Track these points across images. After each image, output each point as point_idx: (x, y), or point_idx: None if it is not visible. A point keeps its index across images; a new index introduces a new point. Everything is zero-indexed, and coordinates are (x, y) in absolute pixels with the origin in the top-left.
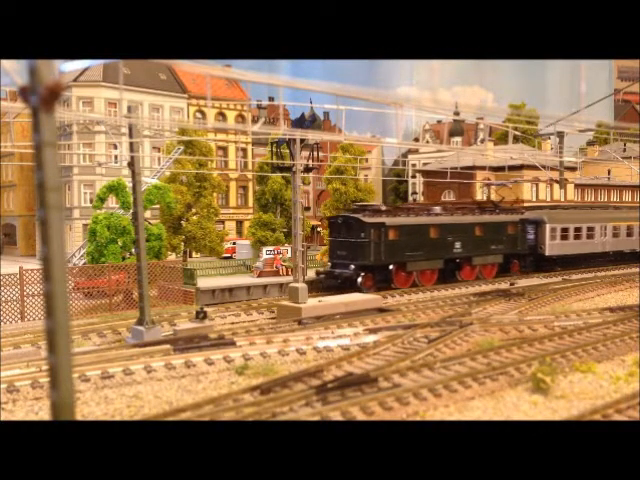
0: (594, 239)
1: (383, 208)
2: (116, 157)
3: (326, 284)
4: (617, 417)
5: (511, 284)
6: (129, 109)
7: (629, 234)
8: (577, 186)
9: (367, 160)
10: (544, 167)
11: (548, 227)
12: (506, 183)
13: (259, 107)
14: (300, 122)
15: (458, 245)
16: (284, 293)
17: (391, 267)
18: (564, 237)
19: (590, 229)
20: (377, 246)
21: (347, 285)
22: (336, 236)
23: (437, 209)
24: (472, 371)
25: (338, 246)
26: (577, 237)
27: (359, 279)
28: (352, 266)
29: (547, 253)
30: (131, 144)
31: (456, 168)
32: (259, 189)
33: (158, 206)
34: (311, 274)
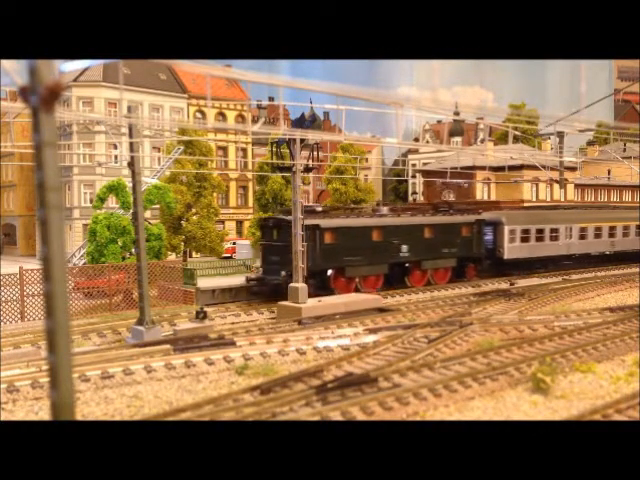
0: (558, 241)
1: (319, 209)
2: (116, 157)
3: (256, 292)
4: (617, 417)
5: (511, 284)
6: (129, 109)
7: (597, 235)
8: (577, 186)
9: (367, 160)
10: (544, 167)
11: (507, 229)
12: (461, 182)
13: (259, 107)
14: (300, 122)
15: (405, 248)
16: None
17: (330, 272)
18: (525, 239)
19: (554, 231)
20: (311, 250)
21: (279, 293)
22: (267, 240)
23: (384, 210)
24: (472, 371)
25: (269, 251)
26: (539, 239)
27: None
28: (283, 272)
29: (506, 256)
30: (131, 144)
31: (456, 168)
32: (259, 189)
33: (158, 206)
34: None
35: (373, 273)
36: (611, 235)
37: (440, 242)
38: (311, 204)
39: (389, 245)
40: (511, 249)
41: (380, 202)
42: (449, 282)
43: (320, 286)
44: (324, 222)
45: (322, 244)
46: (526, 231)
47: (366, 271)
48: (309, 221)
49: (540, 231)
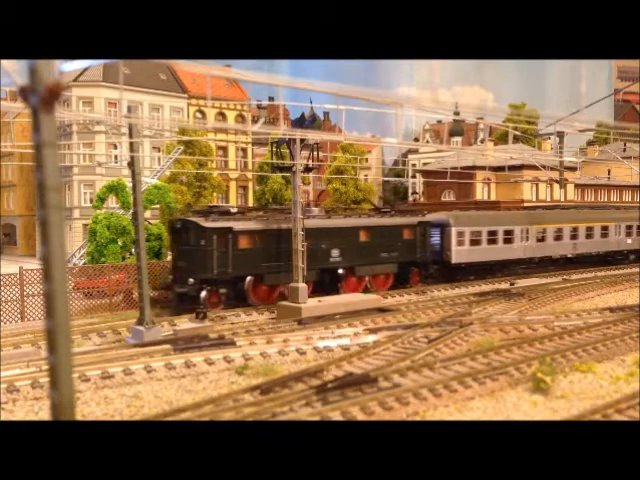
0: (513, 244)
1: (234, 210)
2: (116, 157)
3: (166, 301)
4: (617, 417)
5: (511, 284)
6: (129, 109)
7: (557, 238)
8: (577, 186)
9: (367, 160)
10: (544, 167)
11: (454, 231)
12: (404, 181)
13: (259, 107)
14: (300, 122)
15: (336, 253)
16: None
17: (248, 280)
18: (475, 242)
19: (508, 233)
20: (222, 256)
21: (187, 302)
22: (176, 244)
23: (315, 211)
24: (472, 371)
25: (178, 256)
26: (491, 242)
27: (202, 294)
28: (191, 280)
29: (453, 260)
30: (131, 144)
31: (456, 168)
32: (259, 189)
33: (158, 206)
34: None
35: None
36: (573, 237)
37: (378, 246)
38: (225, 204)
39: (317, 249)
40: (459, 253)
41: (311, 202)
42: (390, 289)
43: (235, 296)
44: (238, 225)
45: (235, 249)
46: (476, 233)
47: (289, 278)
48: (220, 223)
49: (492, 233)
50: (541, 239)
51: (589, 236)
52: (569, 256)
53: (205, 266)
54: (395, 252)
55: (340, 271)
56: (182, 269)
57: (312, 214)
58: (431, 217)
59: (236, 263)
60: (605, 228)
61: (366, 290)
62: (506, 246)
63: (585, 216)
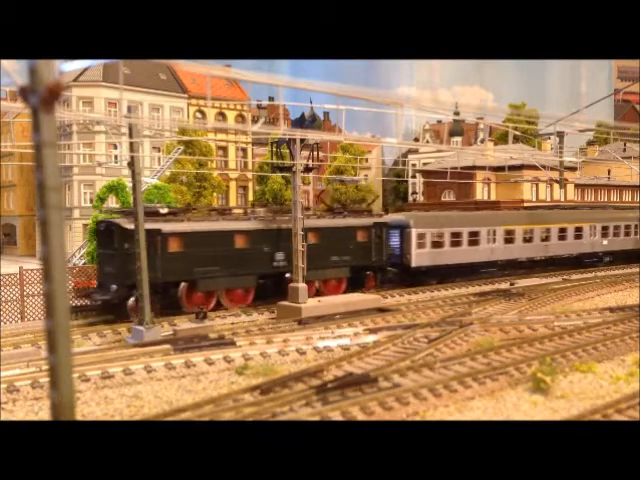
0: (479, 246)
1: (164, 210)
2: (116, 157)
3: (90, 309)
4: (617, 417)
5: (511, 284)
6: (129, 109)
7: (527, 240)
8: (577, 186)
9: (367, 160)
10: (544, 167)
11: (414, 233)
12: (356, 180)
13: (259, 107)
14: (300, 122)
15: (280, 256)
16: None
17: (182, 286)
18: (437, 244)
19: (473, 234)
20: (150, 260)
21: (111, 311)
22: (100, 248)
23: (260, 211)
24: (472, 371)
25: (102, 261)
26: (455, 244)
27: (129, 302)
28: (114, 286)
29: (413, 264)
30: (131, 144)
31: (456, 168)
32: (259, 189)
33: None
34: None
35: (238, 286)
36: (545, 239)
37: (328, 249)
38: (155, 204)
39: (258, 253)
40: (420, 256)
41: (259, 203)
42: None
43: (169, 303)
44: (168, 226)
45: (165, 252)
46: (438, 235)
47: (227, 283)
48: (147, 225)
49: (456, 235)
50: (509, 241)
51: (562, 237)
52: (539, 258)
53: (130, 271)
54: (347, 255)
55: (287, 276)
56: (106, 275)
57: (255, 215)
58: (389, 218)
59: (166, 268)
60: (579, 229)
61: (317, 295)
62: (471, 248)
63: (557, 217)
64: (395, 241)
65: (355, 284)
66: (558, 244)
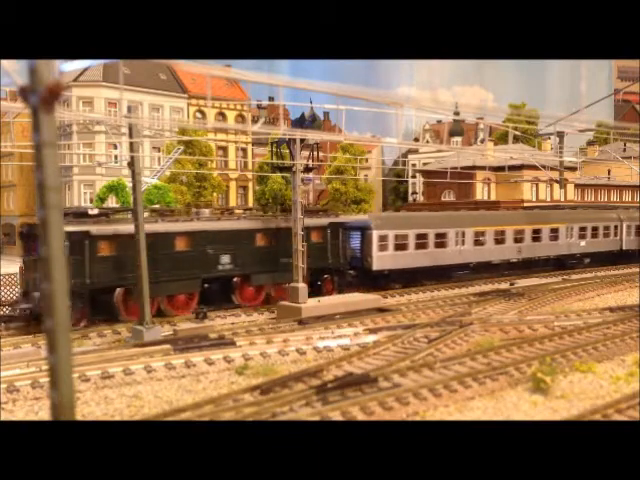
0: (446, 248)
1: (94, 211)
2: (116, 157)
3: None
4: (617, 417)
5: (511, 284)
6: (129, 109)
7: (499, 241)
8: (577, 186)
9: (367, 160)
10: (544, 167)
11: (375, 234)
12: (309, 178)
13: (259, 107)
14: (300, 122)
15: (226, 259)
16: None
17: (117, 292)
18: (400, 247)
19: (440, 236)
20: (77, 265)
21: (36, 320)
22: (26, 253)
23: (206, 212)
24: (472, 371)
25: (26, 266)
26: (420, 246)
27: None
28: (37, 294)
29: (375, 267)
30: (131, 144)
31: (456, 168)
32: (259, 189)
33: (158, 206)
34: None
35: (179, 291)
36: (518, 240)
37: (279, 251)
38: (84, 205)
39: (202, 255)
40: (381, 259)
41: (205, 203)
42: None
43: (100, 310)
44: (97, 229)
45: (95, 256)
46: (402, 237)
47: (168, 289)
48: (73, 227)
49: (422, 236)
50: (480, 242)
51: (536, 239)
52: (513, 261)
53: None
54: None
55: (234, 280)
56: (31, 281)
57: (200, 215)
58: (349, 219)
59: (96, 273)
60: (555, 230)
61: (268, 301)
62: (438, 250)
63: (532, 218)
64: (356, 243)
65: (311, 288)
66: (532, 246)
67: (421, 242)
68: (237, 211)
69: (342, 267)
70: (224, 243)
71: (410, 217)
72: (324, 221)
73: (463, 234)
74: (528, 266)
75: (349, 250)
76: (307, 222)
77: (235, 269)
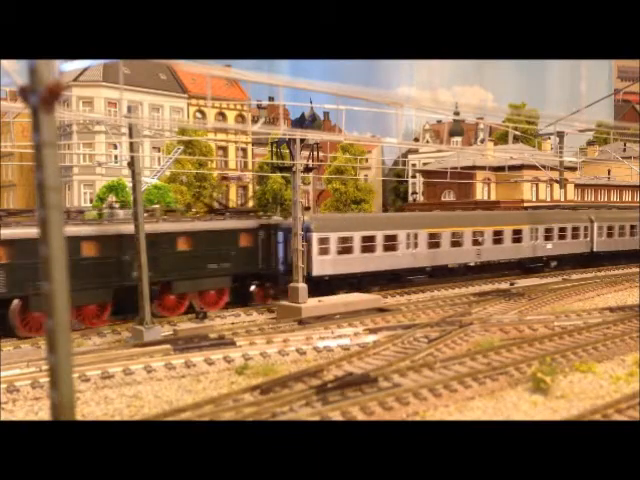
0: (397, 251)
1: None
2: (116, 157)
3: None
4: (617, 417)
5: (511, 284)
6: (129, 109)
7: (456, 243)
8: (577, 186)
9: (367, 160)
10: (544, 167)
11: (315, 237)
12: (241, 176)
13: (259, 107)
14: (300, 122)
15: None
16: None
17: (14, 304)
18: (344, 250)
19: (390, 238)
20: None
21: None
22: None
23: (120, 214)
24: (472, 371)
25: None
26: (367, 249)
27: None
28: None
29: (314, 273)
30: (131, 144)
31: (456, 168)
32: (259, 189)
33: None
34: None
35: (87, 302)
36: (477, 242)
37: (203, 256)
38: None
39: (115, 262)
40: (322, 263)
41: (114, 203)
42: (226, 308)
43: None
44: None
45: None
46: (346, 239)
47: (73, 300)
48: None
49: (369, 239)
50: (434, 245)
51: (497, 241)
52: (472, 264)
53: None
54: (228, 262)
55: (153, 288)
56: None
57: (115, 218)
58: (278, 220)
59: None
60: (518, 232)
61: (191, 310)
62: (387, 254)
63: (492, 219)
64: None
65: (241, 295)
66: (493, 248)
67: (368, 245)
68: (159, 212)
69: (275, 272)
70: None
71: (356, 218)
72: (255, 223)
73: (416, 236)
74: (489, 270)
75: (290, 254)
76: (235, 224)
77: (154, 276)
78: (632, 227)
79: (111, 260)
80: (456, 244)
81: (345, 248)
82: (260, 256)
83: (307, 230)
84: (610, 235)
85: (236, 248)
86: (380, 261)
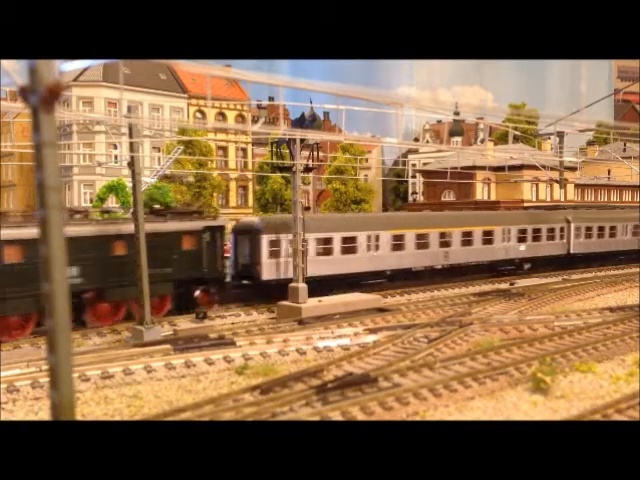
0: (356, 254)
1: None
2: (116, 157)
3: None
4: (617, 417)
5: (511, 284)
6: (129, 109)
7: (422, 245)
8: (577, 186)
9: (367, 160)
10: (544, 167)
11: (265, 239)
12: (180, 175)
13: (259, 107)
14: (300, 122)
15: (73, 272)
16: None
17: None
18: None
19: (348, 240)
20: None
21: None
22: None
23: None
24: (472, 371)
25: None
26: (324, 252)
27: None
28: None
29: (264, 277)
30: (131, 144)
31: (456, 168)
32: (259, 189)
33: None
34: None
35: (8, 312)
36: (444, 244)
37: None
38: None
39: (35, 268)
40: (272, 267)
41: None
42: (168, 315)
43: None
44: None
45: None
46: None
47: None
48: None
49: (325, 241)
50: (398, 247)
51: (466, 243)
52: (439, 267)
53: None
54: (169, 267)
55: (86, 296)
56: None
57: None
58: (223, 221)
59: None
60: (488, 233)
61: (129, 318)
62: (345, 257)
63: (461, 220)
64: (245, 249)
65: (183, 302)
66: (462, 250)
67: (323, 247)
68: (94, 213)
69: (221, 276)
70: (70, 253)
71: (312, 219)
72: (198, 225)
73: (377, 238)
74: (457, 273)
75: (240, 257)
76: (176, 226)
77: (86, 283)
78: (612, 228)
79: (34, 266)
80: (422, 246)
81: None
82: (205, 260)
83: (256, 232)
84: (589, 236)
85: (178, 252)
86: (337, 264)
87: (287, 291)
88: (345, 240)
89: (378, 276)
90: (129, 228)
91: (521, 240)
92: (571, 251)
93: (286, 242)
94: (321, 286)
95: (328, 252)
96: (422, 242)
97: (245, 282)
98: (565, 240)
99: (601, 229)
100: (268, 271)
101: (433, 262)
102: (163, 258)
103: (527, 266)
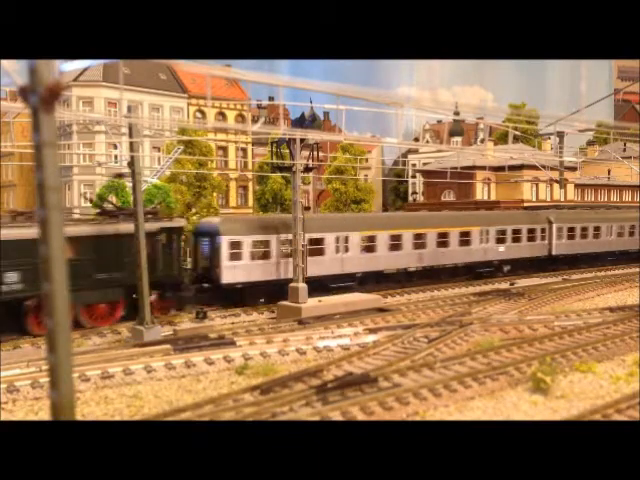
0: (324, 256)
1: None
2: (116, 157)
3: None
4: (617, 417)
5: (511, 284)
6: (129, 109)
7: (394, 247)
8: (577, 186)
9: (367, 160)
10: (544, 167)
11: (225, 241)
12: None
13: (259, 107)
14: (300, 122)
15: (12, 277)
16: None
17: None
18: (260, 255)
19: (315, 242)
20: None
21: None
22: None
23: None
24: (472, 371)
25: None
26: (287, 255)
27: None
28: None
29: (224, 280)
30: (131, 144)
31: (456, 168)
32: (259, 189)
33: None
34: None
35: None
36: (418, 246)
37: (89, 265)
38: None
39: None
40: (233, 270)
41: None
42: (117, 322)
43: None
44: None
45: None
46: (262, 243)
47: None
48: None
49: (290, 243)
50: (369, 249)
51: (442, 244)
52: (412, 269)
53: None
54: (120, 272)
55: (27, 303)
56: None
57: None
58: (180, 222)
59: None
60: (466, 234)
61: (78, 325)
62: (313, 259)
63: (437, 220)
64: (205, 251)
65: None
66: (438, 252)
67: (288, 250)
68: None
69: (177, 280)
70: (10, 257)
71: (272, 220)
72: (153, 226)
73: (346, 239)
74: (432, 275)
75: (200, 260)
76: (128, 228)
77: (26, 290)
78: (596, 229)
79: None
80: (394, 248)
81: (261, 253)
82: (160, 263)
83: (215, 233)
84: (571, 237)
85: (130, 255)
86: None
87: (248, 295)
88: (311, 242)
89: (345, 279)
90: (75, 230)
91: (500, 241)
92: (553, 252)
93: (249, 244)
94: (280, 291)
95: (291, 255)
96: (395, 243)
97: (205, 285)
98: (546, 241)
99: (584, 230)
100: (228, 274)
101: (406, 264)
102: (113, 262)
103: (507, 268)
